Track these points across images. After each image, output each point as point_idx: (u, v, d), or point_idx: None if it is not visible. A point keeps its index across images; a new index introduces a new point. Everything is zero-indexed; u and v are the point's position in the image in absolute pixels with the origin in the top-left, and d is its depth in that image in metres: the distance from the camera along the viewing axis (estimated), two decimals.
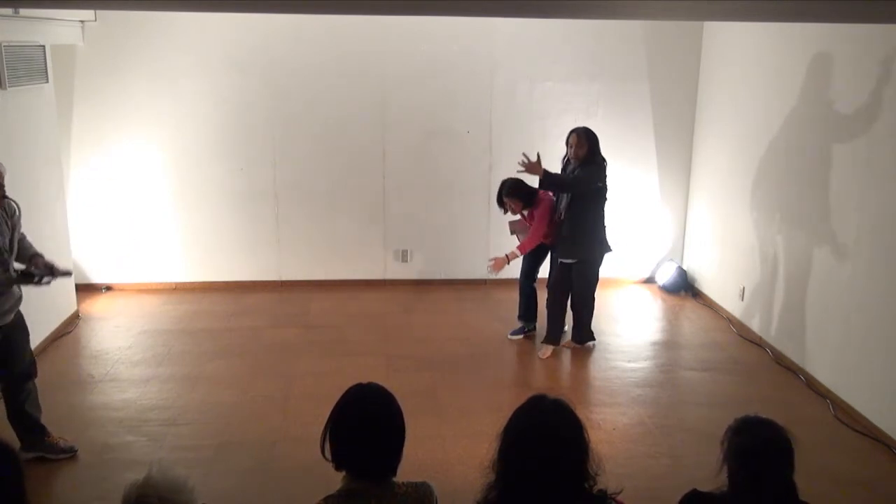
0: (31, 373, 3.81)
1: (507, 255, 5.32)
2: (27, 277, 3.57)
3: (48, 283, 3.61)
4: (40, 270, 3.57)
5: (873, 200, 4.32)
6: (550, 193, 5.32)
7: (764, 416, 2.16)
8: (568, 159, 5.18)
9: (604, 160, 5.09)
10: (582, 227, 5.10)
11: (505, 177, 5.46)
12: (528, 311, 5.64)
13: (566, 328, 5.53)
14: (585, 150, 4.99)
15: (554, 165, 5.59)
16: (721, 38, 6.31)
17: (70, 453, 3.85)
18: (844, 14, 3.68)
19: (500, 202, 5.42)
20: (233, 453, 3.95)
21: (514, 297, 5.76)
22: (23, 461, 1.80)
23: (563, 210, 5.12)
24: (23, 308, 3.73)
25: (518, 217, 5.46)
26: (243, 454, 3.94)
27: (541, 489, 1.77)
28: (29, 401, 3.79)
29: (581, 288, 5.29)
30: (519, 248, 5.31)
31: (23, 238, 3.71)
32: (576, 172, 5.03)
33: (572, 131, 5.10)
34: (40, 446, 3.78)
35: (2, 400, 3.81)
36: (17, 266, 3.62)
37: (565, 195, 5.12)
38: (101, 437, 4.08)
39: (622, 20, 6.30)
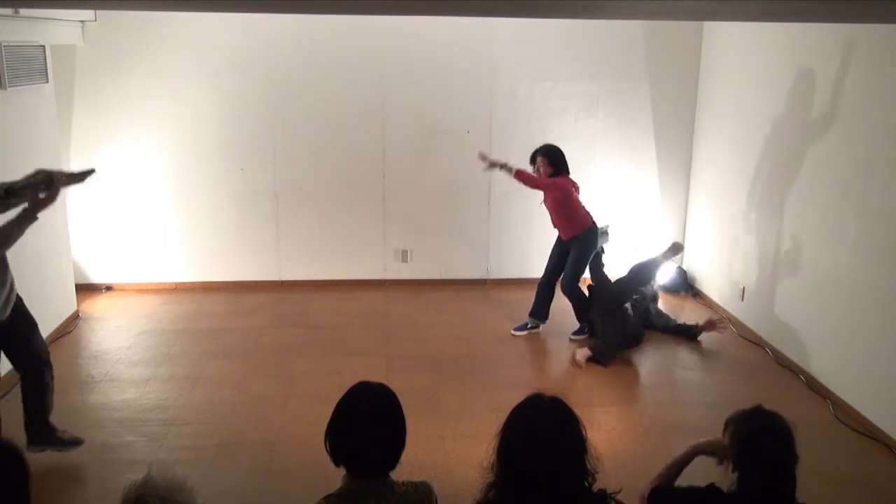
0: (48, 362, 3.66)
1: (507, 163, 5.30)
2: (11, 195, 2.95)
3: (51, 194, 3.04)
4: (32, 179, 2.94)
5: (873, 200, 4.32)
6: (571, 182, 5.42)
7: (761, 404, 2.20)
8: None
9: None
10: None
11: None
12: (540, 308, 5.65)
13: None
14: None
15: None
16: (721, 38, 6.30)
17: (78, 444, 3.75)
18: (844, 14, 3.68)
19: (533, 159, 5.47)
20: (233, 453, 3.95)
21: (514, 297, 5.77)
22: (27, 461, 1.79)
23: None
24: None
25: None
26: (243, 454, 3.94)
27: (540, 488, 1.77)
28: (47, 393, 3.65)
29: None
30: (517, 171, 5.28)
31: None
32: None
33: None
34: (51, 440, 3.66)
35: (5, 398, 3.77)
36: None
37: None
38: (101, 437, 4.07)
39: (622, 20, 6.30)
